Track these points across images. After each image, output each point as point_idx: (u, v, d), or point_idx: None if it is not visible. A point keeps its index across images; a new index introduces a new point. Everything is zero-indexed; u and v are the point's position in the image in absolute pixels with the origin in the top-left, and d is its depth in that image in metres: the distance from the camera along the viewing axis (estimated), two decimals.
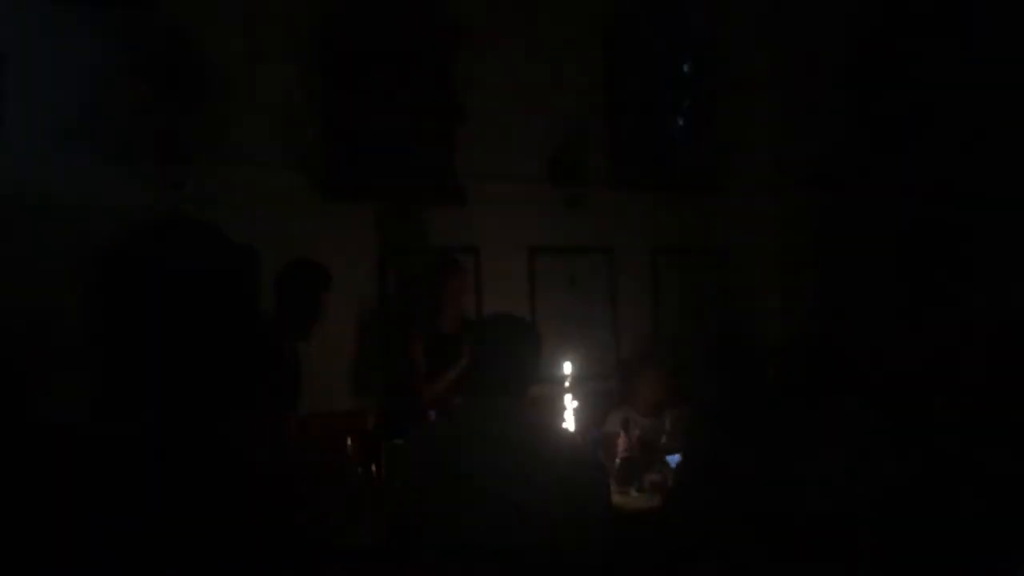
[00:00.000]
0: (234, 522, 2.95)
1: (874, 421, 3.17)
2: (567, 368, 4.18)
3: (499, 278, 4.98)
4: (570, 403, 4.11)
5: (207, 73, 4.14)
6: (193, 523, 2.84)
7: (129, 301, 3.98)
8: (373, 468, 3.60)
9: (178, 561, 2.75)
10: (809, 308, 5.27)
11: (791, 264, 5.48)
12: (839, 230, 5.18)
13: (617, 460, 3.95)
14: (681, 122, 5.83)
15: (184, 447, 3.05)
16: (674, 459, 3.81)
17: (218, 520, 2.91)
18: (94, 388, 3.85)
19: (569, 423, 4.09)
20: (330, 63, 4.58)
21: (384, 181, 4.70)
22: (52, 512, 2.88)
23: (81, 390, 3.79)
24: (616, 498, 3.37)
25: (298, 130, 4.48)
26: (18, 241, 3.86)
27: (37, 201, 3.85)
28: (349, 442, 3.62)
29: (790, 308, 5.44)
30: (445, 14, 4.87)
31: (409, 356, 4.28)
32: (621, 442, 4.00)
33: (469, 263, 4.74)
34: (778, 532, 2.85)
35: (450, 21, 4.86)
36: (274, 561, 2.90)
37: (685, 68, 5.82)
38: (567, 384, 4.16)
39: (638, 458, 3.96)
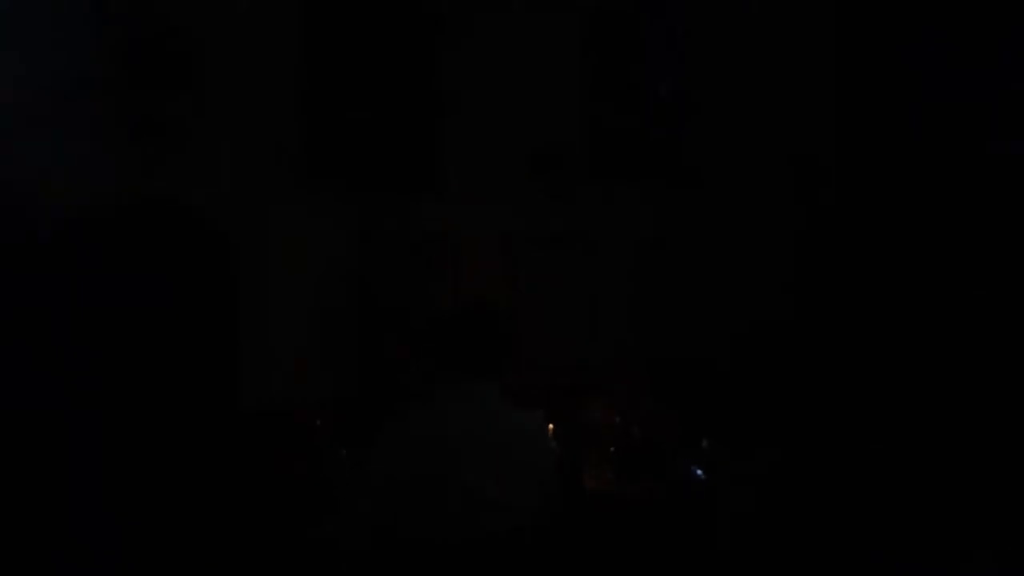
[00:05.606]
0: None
1: None
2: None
3: (478, 267, 4.86)
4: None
5: (186, 54, 4.07)
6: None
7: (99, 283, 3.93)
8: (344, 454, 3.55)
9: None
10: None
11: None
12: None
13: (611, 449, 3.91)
14: (664, 112, 5.77)
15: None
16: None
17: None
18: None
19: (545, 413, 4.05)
20: (311, 48, 4.45)
21: (363, 168, 4.59)
22: None
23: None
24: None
25: (278, 114, 4.40)
26: None
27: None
28: (319, 423, 3.57)
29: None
30: (428, 2, 4.77)
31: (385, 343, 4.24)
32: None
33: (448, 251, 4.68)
34: None
35: (433, 9, 4.76)
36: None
37: (668, 60, 5.75)
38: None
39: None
